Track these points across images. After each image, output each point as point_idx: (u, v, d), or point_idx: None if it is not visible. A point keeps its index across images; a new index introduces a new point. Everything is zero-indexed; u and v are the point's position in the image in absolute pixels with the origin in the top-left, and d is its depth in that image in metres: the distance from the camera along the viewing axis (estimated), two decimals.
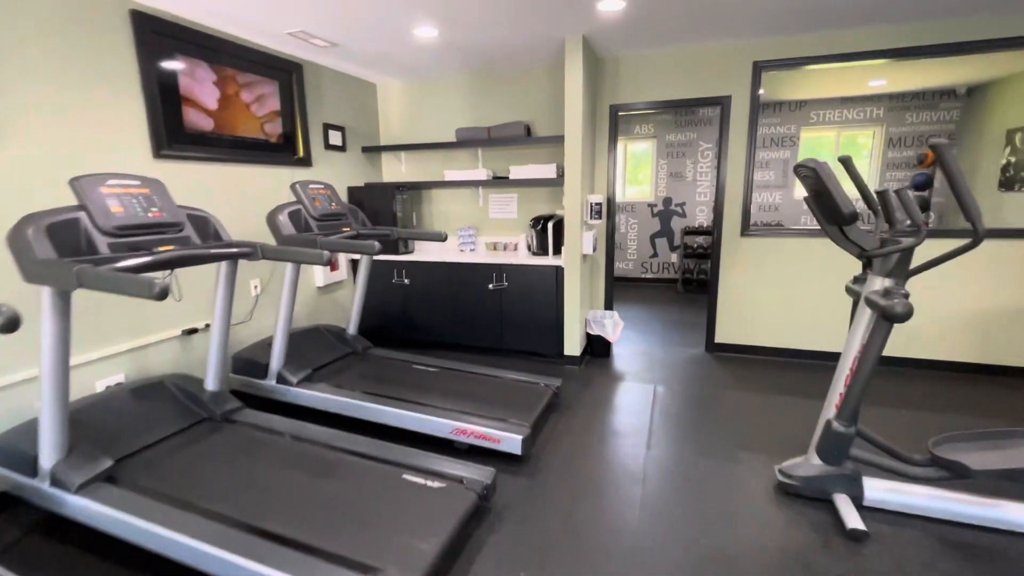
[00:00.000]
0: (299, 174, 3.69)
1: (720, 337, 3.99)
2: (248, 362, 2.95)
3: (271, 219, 2.68)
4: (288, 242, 2.64)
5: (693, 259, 6.46)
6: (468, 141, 4.06)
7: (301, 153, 3.69)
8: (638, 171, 6.88)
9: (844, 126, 6.00)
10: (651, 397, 3.20)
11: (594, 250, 3.67)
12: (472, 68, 4.04)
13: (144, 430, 2.21)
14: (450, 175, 4.22)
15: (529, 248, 4.08)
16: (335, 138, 4.02)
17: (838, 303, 3.64)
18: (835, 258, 3.61)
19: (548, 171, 3.88)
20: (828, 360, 3.74)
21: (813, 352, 3.77)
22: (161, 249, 1.97)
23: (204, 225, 2.25)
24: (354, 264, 4.32)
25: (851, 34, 3.34)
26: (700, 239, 6.58)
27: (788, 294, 3.76)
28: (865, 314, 1.92)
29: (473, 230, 4.31)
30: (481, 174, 4.10)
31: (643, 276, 7.01)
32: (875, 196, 1.88)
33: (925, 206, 4.24)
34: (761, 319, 3.86)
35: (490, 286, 3.85)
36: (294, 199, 2.91)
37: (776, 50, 3.48)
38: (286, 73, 3.53)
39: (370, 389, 2.85)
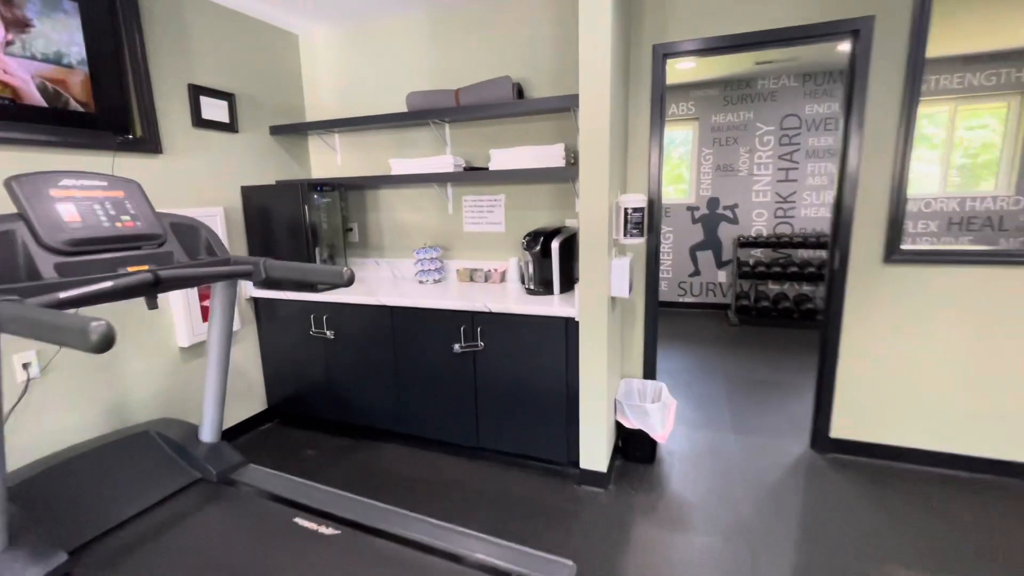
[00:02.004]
0: (134, 166, 2.22)
1: (840, 429, 2.41)
2: None
3: None
4: None
5: (750, 279, 4.85)
6: (426, 111, 2.55)
7: (138, 131, 2.22)
8: (674, 164, 5.31)
9: (965, 97, 4.37)
10: None
11: (630, 289, 2.13)
12: (435, 4, 2.55)
13: None
14: (397, 166, 2.72)
15: (523, 280, 2.57)
16: (215, 110, 2.54)
17: None
18: None
19: (552, 156, 2.36)
20: None
21: None
22: None
23: None
24: (255, 304, 2.83)
25: None
26: (759, 253, 4.98)
27: (976, 364, 2.17)
28: None
29: (438, 251, 2.80)
30: (445, 163, 2.59)
31: (680, 300, 5.43)
32: None
33: None
34: (922, 404, 2.27)
35: (456, 347, 2.33)
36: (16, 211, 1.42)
37: None
38: None
39: None
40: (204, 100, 2.48)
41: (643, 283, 2.55)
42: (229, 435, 2.75)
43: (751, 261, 4.94)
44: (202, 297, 2.49)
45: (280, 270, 1.75)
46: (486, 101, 2.45)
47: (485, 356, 2.30)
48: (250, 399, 2.86)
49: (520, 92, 2.50)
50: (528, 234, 2.38)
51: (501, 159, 2.46)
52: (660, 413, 2.29)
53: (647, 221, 2.26)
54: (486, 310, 2.23)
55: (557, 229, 2.43)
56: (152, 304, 1.47)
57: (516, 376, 2.26)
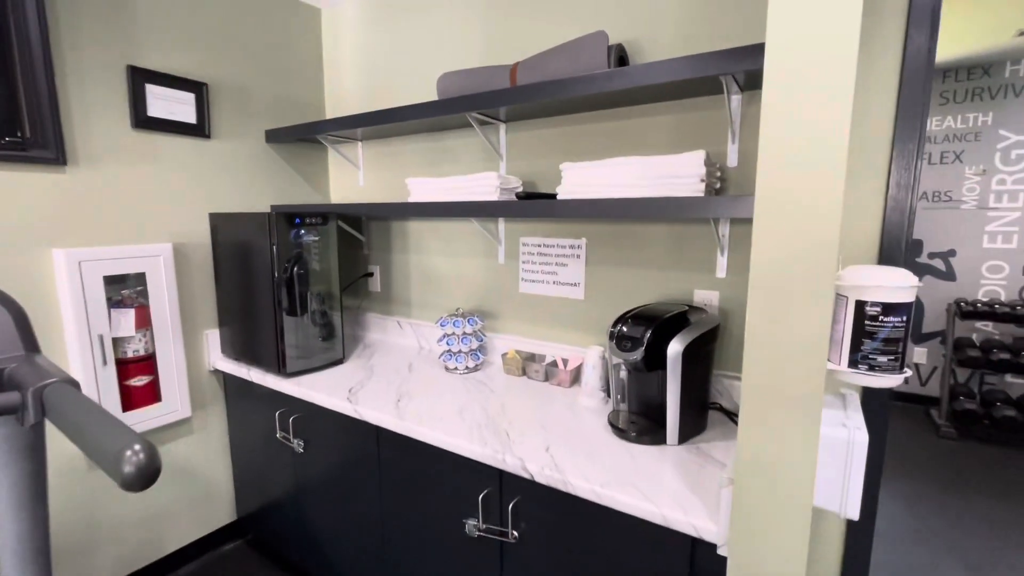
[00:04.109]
0: (15, 186, 1.47)
1: None
2: None
3: None
4: None
5: (975, 367, 3.14)
6: (466, 100, 1.53)
7: (26, 131, 1.47)
8: None
9: None
10: None
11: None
12: None
13: None
14: (417, 189, 1.74)
15: (607, 393, 1.44)
16: (172, 105, 1.76)
17: None
18: None
19: (677, 174, 1.21)
20: None
21: None
22: None
23: None
24: (223, 377, 2.00)
25: None
26: (991, 328, 3.26)
27: None
28: None
29: (474, 322, 1.76)
30: (485, 185, 1.55)
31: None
32: None
33: None
34: None
35: (470, 525, 1.24)
36: None
37: None
38: None
39: None
40: (152, 90, 1.71)
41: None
42: (177, 560, 1.93)
43: (977, 339, 3.23)
44: (126, 373, 1.70)
45: (63, 417, 0.80)
46: (559, 76, 1.37)
47: (521, 555, 1.19)
48: (212, 508, 2.03)
49: (622, 58, 1.39)
50: (622, 318, 1.24)
51: (578, 181, 1.36)
52: None
53: (910, 330, 1.00)
54: (525, 475, 1.12)
55: (680, 314, 1.26)
56: None
57: None
